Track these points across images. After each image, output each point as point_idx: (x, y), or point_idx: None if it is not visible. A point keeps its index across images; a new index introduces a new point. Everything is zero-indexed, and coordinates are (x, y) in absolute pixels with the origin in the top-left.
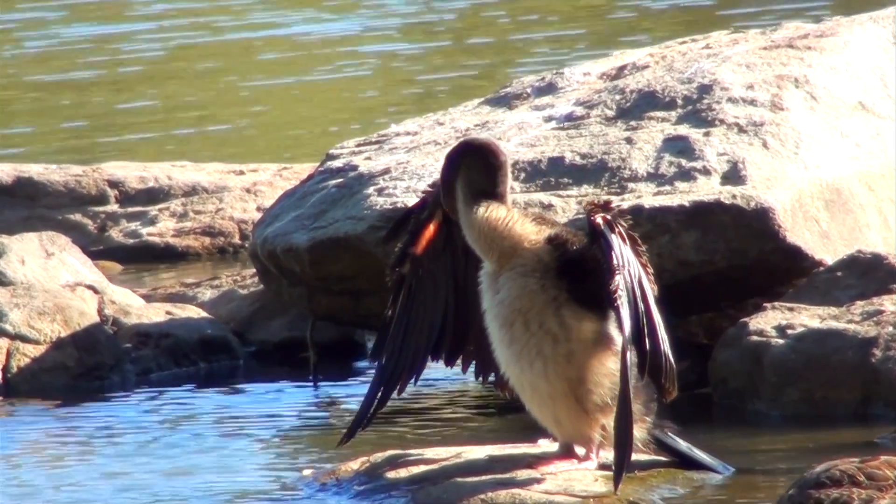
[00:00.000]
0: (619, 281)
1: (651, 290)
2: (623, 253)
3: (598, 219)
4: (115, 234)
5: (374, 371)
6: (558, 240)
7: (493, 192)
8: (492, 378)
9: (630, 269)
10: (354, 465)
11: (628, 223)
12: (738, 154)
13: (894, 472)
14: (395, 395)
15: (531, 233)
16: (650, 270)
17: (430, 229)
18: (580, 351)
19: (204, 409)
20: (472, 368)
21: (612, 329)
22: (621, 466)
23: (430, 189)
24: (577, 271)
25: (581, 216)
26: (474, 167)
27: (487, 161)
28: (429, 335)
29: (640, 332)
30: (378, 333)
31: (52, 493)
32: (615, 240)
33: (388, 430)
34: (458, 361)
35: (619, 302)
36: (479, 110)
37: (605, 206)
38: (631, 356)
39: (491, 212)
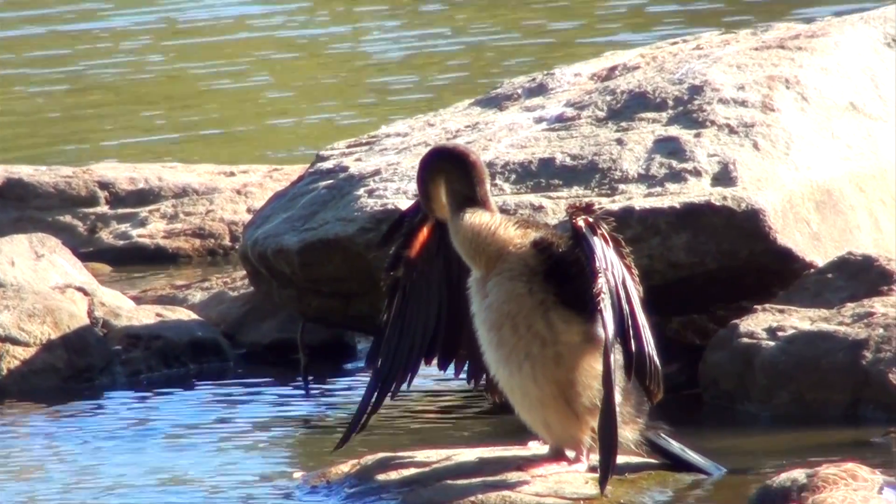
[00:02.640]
0: (601, 284)
1: (636, 292)
2: (606, 255)
3: (580, 221)
4: (106, 235)
5: (364, 372)
6: (544, 243)
7: (474, 196)
8: (483, 381)
9: (613, 270)
10: (345, 467)
11: (611, 225)
12: (728, 155)
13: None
14: (388, 399)
15: (515, 237)
16: (635, 272)
17: (424, 232)
18: (568, 353)
19: (193, 411)
20: (463, 372)
21: (601, 331)
22: (607, 469)
23: None
24: (563, 274)
25: None
26: (453, 175)
27: (462, 165)
28: (422, 338)
29: (626, 334)
30: (374, 338)
31: (43, 494)
32: (597, 242)
33: (378, 433)
34: (452, 365)
35: (602, 305)
36: (470, 111)
37: (588, 209)
38: (615, 358)
39: (474, 218)
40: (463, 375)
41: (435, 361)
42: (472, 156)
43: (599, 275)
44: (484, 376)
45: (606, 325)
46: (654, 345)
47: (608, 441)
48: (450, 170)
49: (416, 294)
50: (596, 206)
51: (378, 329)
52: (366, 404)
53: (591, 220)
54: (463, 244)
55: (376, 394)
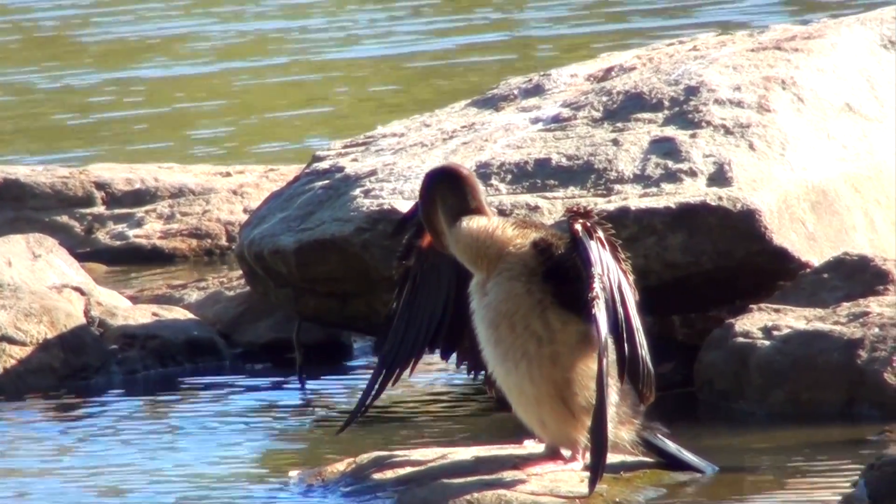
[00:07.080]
0: (596, 288)
1: (631, 296)
2: (602, 259)
3: (578, 225)
4: (102, 235)
5: (360, 371)
6: (543, 244)
7: (468, 208)
8: (482, 375)
9: (609, 274)
10: (340, 466)
11: (608, 231)
12: (724, 155)
13: None
14: (390, 385)
15: (515, 237)
16: (631, 276)
17: None
18: (565, 353)
19: (189, 410)
20: (464, 364)
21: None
22: (597, 470)
23: None
24: (562, 275)
25: None
26: (446, 194)
27: (454, 183)
28: (428, 327)
29: (619, 338)
30: (382, 325)
31: (38, 494)
32: (594, 246)
33: (374, 431)
34: (454, 355)
35: (595, 309)
36: (466, 112)
37: (586, 213)
38: (608, 360)
39: (472, 223)
40: (463, 369)
41: (438, 351)
42: (464, 172)
43: (594, 279)
44: (485, 370)
45: (600, 329)
46: (647, 348)
47: (599, 443)
48: (442, 190)
49: (425, 283)
50: (594, 211)
51: (386, 318)
52: (370, 388)
53: (588, 224)
54: (465, 251)
55: (380, 379)
